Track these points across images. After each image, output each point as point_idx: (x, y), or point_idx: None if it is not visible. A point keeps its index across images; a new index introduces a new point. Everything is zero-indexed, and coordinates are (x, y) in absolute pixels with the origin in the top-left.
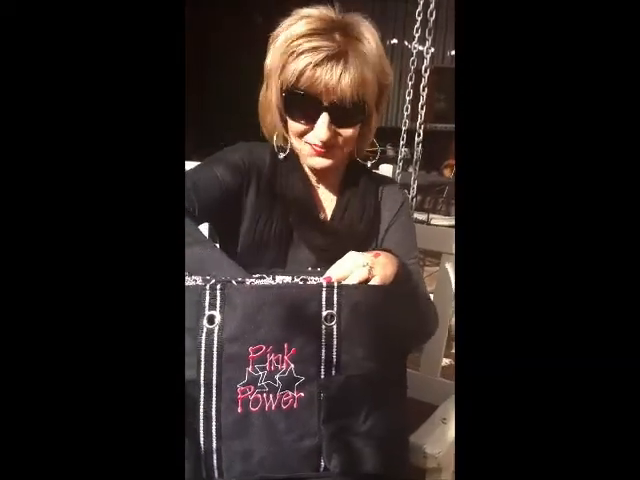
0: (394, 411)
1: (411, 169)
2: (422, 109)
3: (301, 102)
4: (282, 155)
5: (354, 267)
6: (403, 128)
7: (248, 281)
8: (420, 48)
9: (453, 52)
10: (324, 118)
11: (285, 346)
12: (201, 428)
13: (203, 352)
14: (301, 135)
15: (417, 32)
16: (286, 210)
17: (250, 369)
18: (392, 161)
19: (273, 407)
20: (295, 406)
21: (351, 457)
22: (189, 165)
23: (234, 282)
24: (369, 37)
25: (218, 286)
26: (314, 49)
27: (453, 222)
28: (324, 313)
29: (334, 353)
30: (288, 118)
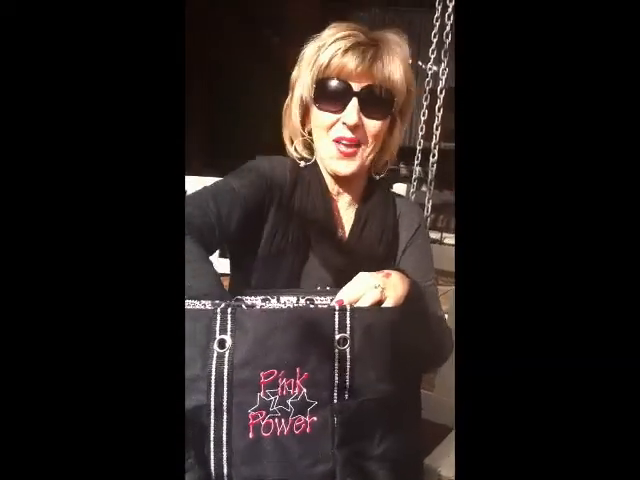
0: (408, 434)
1: (425, 188)
2: (437, 130)
3: (331, 88)
4: (304, 164)
5: (366, 289)
6: (418, 147)
7: (258, 305)
8: (435, 69)
9: None
10: (354, 102)
11: (297, 370)
12: (212, 454)
13: (214, 377)
14: (328, 128)
15: (433, 53)
16: (305, 225)
17: (262, 394)
18: (405, 180)
19: (285, 432)
20: (308, 431)
21: None
22: (205, 180)
23: (244, 306)
24: (399, 41)
25: (229, 310)
26: (345, 37)
27: None
28: (337, 337)
29: (347, 377)
30: (316, 110)
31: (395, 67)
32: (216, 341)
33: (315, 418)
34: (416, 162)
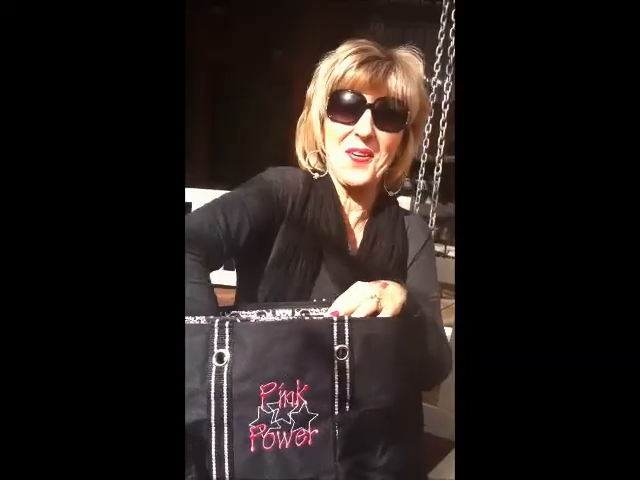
0: (411, 445)
1: (428, 201)
2: (441, 143)
3: (345, 100)
4: (317, 176)
5: (362, 299)
6: (422, 161)
7: (253, 318)
8: (440, 83)
9: None
10: (367, 113)
11: (297, 382)
12: (213, 468)
13: (213, 391)
14: (341, 140)
15: (437, 68)
16: (317, 238)
17: (262, 407)
18: (409, 193)
19: (287, 445)
20: (310, 443)
21: None
22: (213, 194)
23: (238, 320)
24: (413, 57)
25: (227, 324)
26: (360, 51)
27: None
28: (336, 348)
29: (347, 388)
30: (330, 121)
31: (409, 81)
32: (214, 355)
33: (316, 430)
34: (420, 175)
